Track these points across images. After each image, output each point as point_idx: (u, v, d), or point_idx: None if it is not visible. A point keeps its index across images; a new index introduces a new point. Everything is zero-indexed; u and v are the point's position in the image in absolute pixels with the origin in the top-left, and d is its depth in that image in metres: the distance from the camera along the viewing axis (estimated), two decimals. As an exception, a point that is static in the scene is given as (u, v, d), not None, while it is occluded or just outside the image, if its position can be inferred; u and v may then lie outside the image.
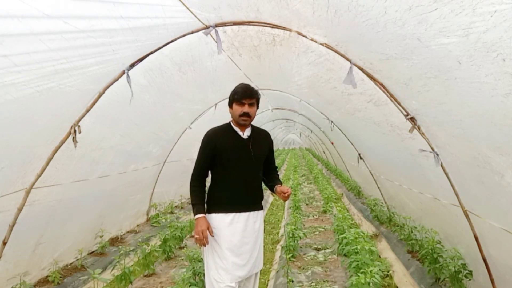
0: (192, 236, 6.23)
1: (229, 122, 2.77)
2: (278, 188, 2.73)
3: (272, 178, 2.90)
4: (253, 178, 2.75)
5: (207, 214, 2.68)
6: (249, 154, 2.69)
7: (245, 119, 2.63)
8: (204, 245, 2.53)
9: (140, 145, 5.70)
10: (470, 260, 3.47)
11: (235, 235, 2.60)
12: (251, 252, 2.66)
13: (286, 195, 2.63)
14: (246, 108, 2.61)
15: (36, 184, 3.57)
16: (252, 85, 2.83)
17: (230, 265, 2.55)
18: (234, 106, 2.64)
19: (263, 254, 2.81)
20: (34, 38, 2.42)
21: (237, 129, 2.70)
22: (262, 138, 2.83)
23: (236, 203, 2.65)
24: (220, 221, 2.62)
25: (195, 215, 2.59)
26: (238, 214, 2.64)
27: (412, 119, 3.25)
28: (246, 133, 2.72)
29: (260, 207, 2.78)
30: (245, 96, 2.61)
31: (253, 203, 2.74)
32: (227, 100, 2.75)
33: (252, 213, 2.69)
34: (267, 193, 9.77)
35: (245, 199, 2.69)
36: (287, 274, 4.03)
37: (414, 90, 2.91)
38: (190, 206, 2.81)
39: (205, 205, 2.72)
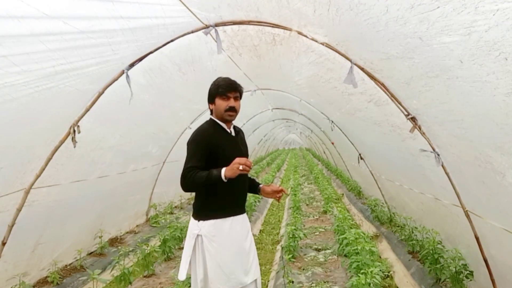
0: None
1: (211, 119, 2.56)
2: (268, 187, 2.62)
3: (250, 178, 2.76)
4: (245, 178, 2.61)
5: (201, 221, 2.44)
6: (240, 151, 2.55)
7: (231, 114, 2.48)
8: (249, 167, 2.27)
9: (140, 145, 5.69)
10: (471, 260, 3.46)
11: (236, 240, 2.47)
12: (250, 254, 2.54)
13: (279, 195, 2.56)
14: (232, 102, 2.45)
15: (35, 184, 3.56)
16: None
17: (237, 272, 2.41)
18: (218, 100, 2.46)
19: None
20: (34, 39, 2.42)
21: (223, 125, 2.53)
22: (242, 135, 2.72)
23: (233, 205, 2.51)
24: (219, 228, 2.42)
25: (218, 174, 2.27)
26: (235, 217, 2.49)
27: (413, 119, 3.24)
28: (232, 130, 2.57)
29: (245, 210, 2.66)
30: (229, 89, 2.45)
31: (243, 205, 2.62)
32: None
33: (244, 215, 2.59)
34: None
35: (239, 201, 2.57)
36: (287, 274, 4.02)
37: (415, 89, 2.89)
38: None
39: (199, 211, 2.49)
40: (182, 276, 2.45)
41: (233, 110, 2.47)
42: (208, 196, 2.45)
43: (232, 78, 2.58)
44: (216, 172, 2.29)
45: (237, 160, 2.27)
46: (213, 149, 2.40)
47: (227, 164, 2.37)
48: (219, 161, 2.37)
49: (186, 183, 2.37)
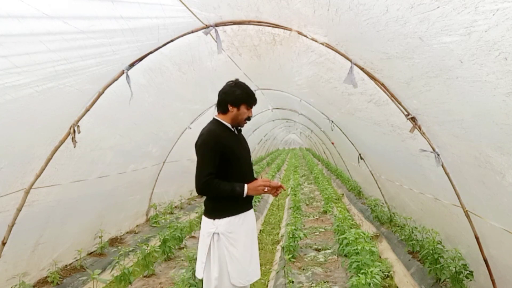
0: (192, 237, 6.21)
1: (216, 120, 2.65)
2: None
3: None
4: (252, 174, 2.77)
5: (217, 220, 2.51)
6: (246, 149, 2.73)
7: (246, 122, 2.71)
8: (277, 189, 2.55)
9: (140, 145, 5.68)
10: (471, 260, 3.46)
11: (249, 234, 2.60)
12: (257, 248, 2.70)
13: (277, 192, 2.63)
14: (251, 113, 2.67)
15: (35, 184, 3.56)
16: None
17: (252, 267, 2.55)
18: (243, 108, 2.61)
19: None
20: (34, 39, 2.42)
21: (228, 125, 2.65)
22: (242, 134, 2.86)
23: (245, 202, 2.60)
24: (235, 225, 2.51)
25: (242, 190, 2.46)
26: (247, 213, 2.62)
27: (413, 119, 3.24)
28: (234, 129, 2.72)
29: None
30: (256, 102, 2.67)
31: (252, 201, 2.74)
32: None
33: (252, 210, 2.71)
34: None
35: (250, 197, 2.65)
36: (287, 274, 4.02)
37: (415, 89, 2.89)
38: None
39: (213, 210, 2.56)
40: (200, 274, 2.56)
41: (249, 120, 2.69)
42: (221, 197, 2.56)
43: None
44: (239, 189, 2.48)
45: (262, 182, 2.51)
46: (224, 149, 2.51)
47: (238, 163, 2.56)
48: (231, 160, 2.52)
49: (209, 191, 2.49)
